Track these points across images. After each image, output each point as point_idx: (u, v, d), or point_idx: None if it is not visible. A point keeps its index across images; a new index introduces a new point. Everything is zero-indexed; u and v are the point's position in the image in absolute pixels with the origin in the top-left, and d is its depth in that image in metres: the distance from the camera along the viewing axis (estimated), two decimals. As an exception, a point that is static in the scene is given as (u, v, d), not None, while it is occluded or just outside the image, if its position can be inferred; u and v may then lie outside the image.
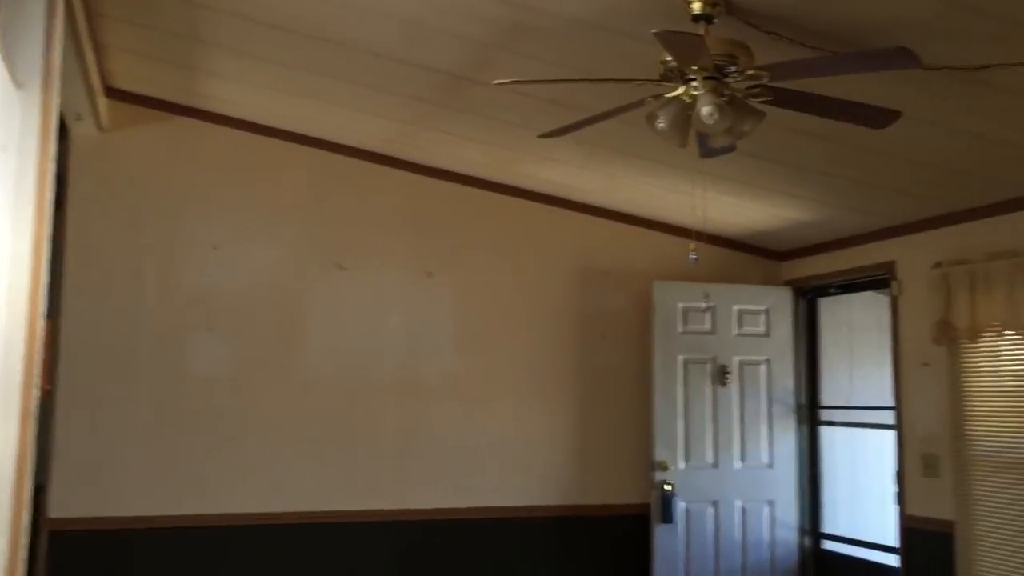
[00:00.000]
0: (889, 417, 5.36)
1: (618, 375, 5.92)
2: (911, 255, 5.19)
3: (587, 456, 5.81)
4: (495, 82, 3.22)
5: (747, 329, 6.03)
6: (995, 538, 4.57)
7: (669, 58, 2.78)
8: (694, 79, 2.78)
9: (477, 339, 5.64)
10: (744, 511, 5.90)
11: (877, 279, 5.56)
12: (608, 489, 5.84)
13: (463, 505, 5.50)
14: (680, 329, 5.89)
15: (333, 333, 5.33)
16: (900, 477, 5.23)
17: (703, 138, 3.24)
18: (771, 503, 5.95)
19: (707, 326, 5.95)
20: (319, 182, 5.38)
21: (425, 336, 5.54)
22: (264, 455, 5.12)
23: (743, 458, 5.94)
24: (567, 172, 5.28)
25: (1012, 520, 4.48)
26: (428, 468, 5.45)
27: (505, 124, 4.53)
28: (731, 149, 3.37)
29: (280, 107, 4.98)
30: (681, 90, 2.84)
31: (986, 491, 4.63)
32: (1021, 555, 4.41)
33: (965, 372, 4.79)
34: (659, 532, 5.71)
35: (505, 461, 5.63)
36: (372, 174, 5.46)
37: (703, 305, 5.86)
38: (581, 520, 5.75)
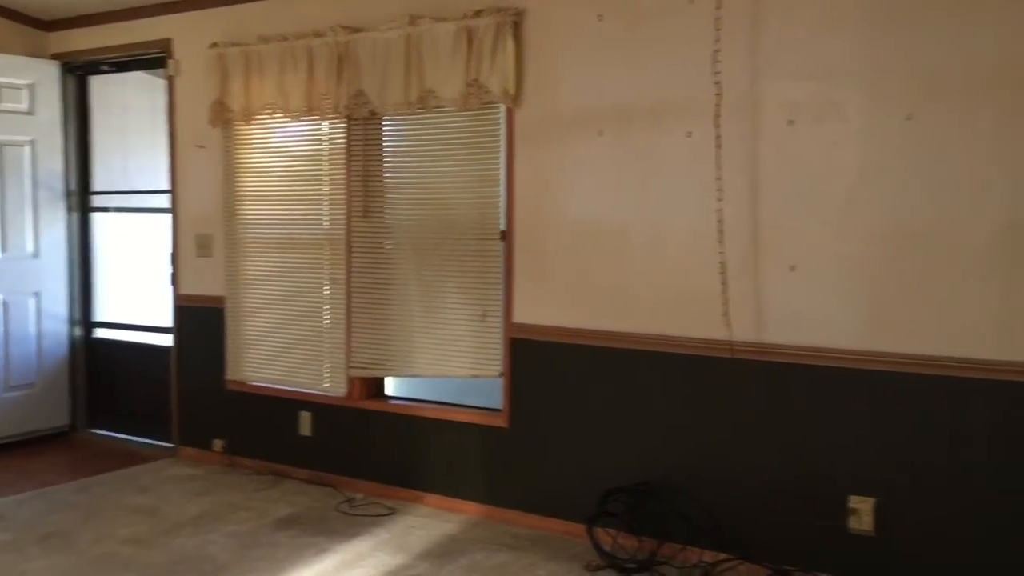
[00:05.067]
0: (165, 201, 5.34)
1: None
2: (188, 34, 5.09)
3: None
4: None
5: (7, 106, 5.39)
6: (259, 304, 4.94)
7: None
8: None
9: None
10: (7, 305, 5.42)
11: (153, 57, 5.35)
12: None
13: None
14: (-78, 100, 5.02)
15: None
16: (174, 259, 5.29)
17: None
18: (38, 295, 5.57)
19: (-42, 100, 5.18)
20: None
21: None
22: None
23: (4, 248, 5.41)
24: None
25: (274, 287, 4.88)
26: None
27: None
28: None
29: None
30: None
31: (255, 265, 4.94)
32: (285, 318, 4.85)
33: (239, 154, 4.95)
34: (-99, 335, 4.97)
35: None
36: None
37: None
38: None
